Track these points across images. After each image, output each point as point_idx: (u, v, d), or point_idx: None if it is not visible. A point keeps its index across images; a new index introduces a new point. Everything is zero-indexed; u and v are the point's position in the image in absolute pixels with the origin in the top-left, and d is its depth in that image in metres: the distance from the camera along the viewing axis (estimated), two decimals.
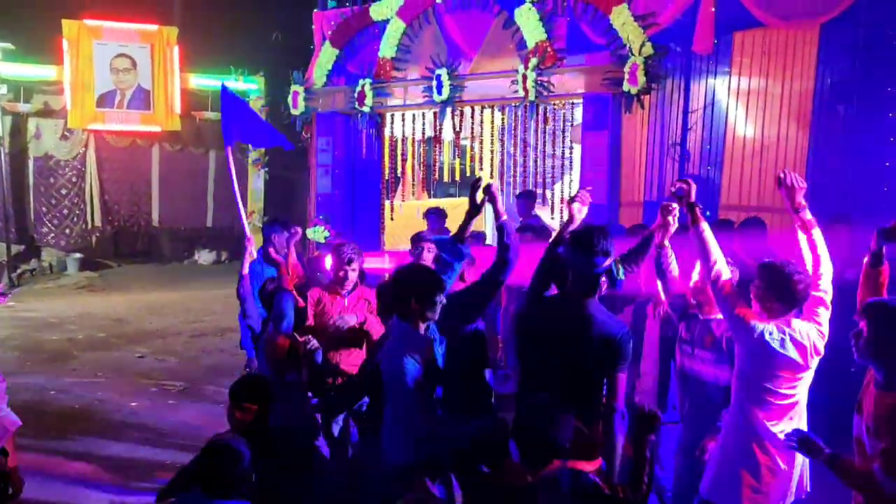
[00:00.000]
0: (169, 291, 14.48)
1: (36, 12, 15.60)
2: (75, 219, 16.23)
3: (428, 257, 5.44)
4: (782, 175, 3.54)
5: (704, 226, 3.63)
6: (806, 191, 3.53)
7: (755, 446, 3.50)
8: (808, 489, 3.66)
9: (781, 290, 3.45)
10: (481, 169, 10.04)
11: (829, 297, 3.52)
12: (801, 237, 3.59)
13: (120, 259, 18.15)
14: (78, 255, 16.41)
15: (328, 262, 5.63)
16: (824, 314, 3.51)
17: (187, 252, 19.14)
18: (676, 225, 3.93)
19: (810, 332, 3.44)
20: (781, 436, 3.43)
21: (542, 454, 2.97)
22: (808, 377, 3.51)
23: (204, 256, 18.68)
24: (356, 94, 9.12)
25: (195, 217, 17.83)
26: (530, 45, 7.65)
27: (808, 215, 3.54)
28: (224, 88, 6.41)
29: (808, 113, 6.47)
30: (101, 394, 7.69)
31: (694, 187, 3.71)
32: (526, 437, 3.03)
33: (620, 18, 7.09)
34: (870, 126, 6.05)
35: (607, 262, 3.55)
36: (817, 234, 3.55)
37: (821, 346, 3.47)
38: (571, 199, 4.05)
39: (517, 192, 8.38)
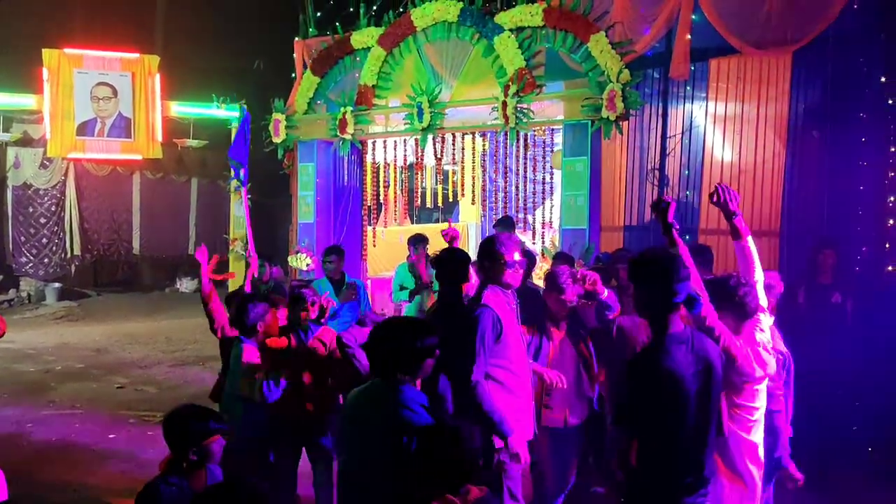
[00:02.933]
0: (149, 320, 14.36)
1: (15, 41, 15.59)
2: (54, 248, 16.12)
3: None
4: (717, 192, 3.58)
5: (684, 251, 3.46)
6: (740, 201, 3.61)
7: (723, 460, 3.55)
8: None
9: (729, 302, 3.53)
10: (463, 195, 10.10)
11: (766, 303, 3.65)
12: (736, 245, 3.66)
13: (99, 288, 18.01)
14: (57, 284, 16.27)
15: None
16: (765, 320, 3.62)
17: (169, 280, 19.04)
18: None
19: (763, 340, 3.55)
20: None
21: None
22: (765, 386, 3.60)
23: (186, 284, 18.58)
24: (337, 122, 9.15)
25: (177, 245, 17.77)
26: (510, 72, 7.73)
27: (742, 223, 3.61)
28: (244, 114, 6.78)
29: (783, 137, 6.58)
30: (79, 426, 7.58)
31: (671, 205, 3.51)
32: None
33: (598, 46, 7.18)
34: (843, 150, 6.16)
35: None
36: (750, 241, 3.63)
37: (768, 352, 3.55)
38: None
39: (498, 217, 8.43)
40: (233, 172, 6.90)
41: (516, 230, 8.37)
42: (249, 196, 12.74)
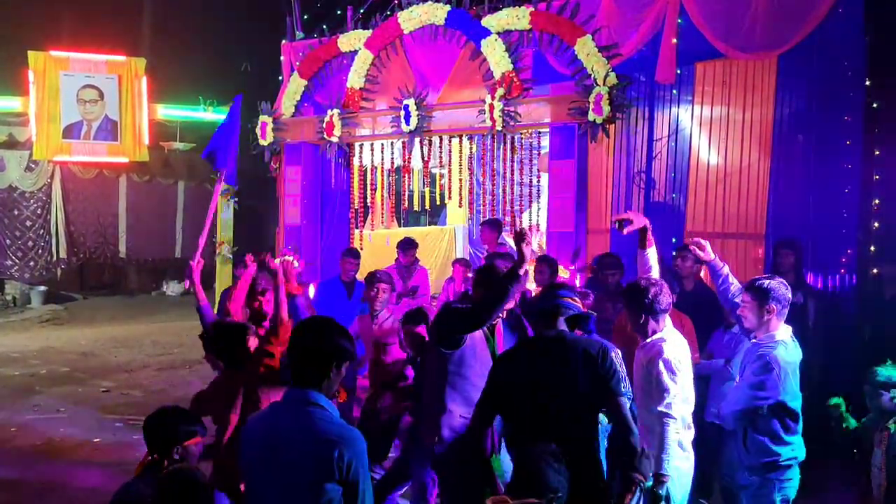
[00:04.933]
0: (136, 324, 14.28)
1: (1, 43, 15.47)
2: (40, 251, 15.98)
3: (383, 297, 5.58)
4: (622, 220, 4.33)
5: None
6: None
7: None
8: None
9: (638, 304, 3.86)
10: (450, 198, 10.09)
11: None
12: (640, 253, 4.34)
13: (85, 291, 17.89)
14: (42, 287, 16.14)
15: None
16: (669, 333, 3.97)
17: (155, 284, 18.93)
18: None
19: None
20: None
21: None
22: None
23: (172, 288, 18.49)
24: (324, 125, 9.14)
25: (163, 248, 17.67)
26: (497, 75, 7.74)
27: (650, 235, 4.35)
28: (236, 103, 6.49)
29: (768, 140, 6.60)
30: (63, 430, 7.52)
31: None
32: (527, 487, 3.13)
33: (585, 49, 7.20)
34: (828, 153, 6.19)
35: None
36: (653, 251, 4.30)
37: (671, 371, 3.79)
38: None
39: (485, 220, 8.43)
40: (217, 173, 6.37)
41: (503, 233, 8.38)
42: (235, 199, 12.72)
